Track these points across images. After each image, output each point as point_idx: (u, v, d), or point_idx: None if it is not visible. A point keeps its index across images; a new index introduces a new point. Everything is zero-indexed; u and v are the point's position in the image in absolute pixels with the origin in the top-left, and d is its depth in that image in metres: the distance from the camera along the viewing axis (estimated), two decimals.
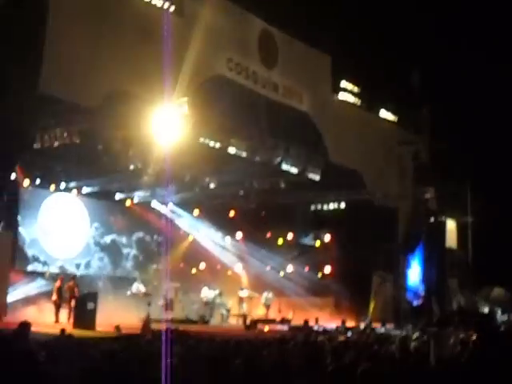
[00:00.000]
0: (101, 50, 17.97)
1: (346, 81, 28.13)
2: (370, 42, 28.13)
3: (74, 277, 24.17)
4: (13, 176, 21.06)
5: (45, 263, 26.34)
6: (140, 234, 30.62)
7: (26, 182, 24.33)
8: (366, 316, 29.18)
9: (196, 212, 31.25)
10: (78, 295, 22.46)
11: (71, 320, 21.70)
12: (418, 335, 16.18)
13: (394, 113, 30.79)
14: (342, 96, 27.98)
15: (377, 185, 28.37)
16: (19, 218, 24.80)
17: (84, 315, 20.69)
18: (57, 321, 21.96)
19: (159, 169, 22.58)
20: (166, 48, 15.98)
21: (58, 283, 23.19)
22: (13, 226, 23.68)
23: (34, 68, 16.48)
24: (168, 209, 30.64)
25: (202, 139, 21.35)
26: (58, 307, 22.47)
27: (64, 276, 24.28)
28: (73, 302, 22.35)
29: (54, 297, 22.66)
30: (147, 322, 20.11)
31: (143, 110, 19.26)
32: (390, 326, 25.85)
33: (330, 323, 24.56)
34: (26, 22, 16.63)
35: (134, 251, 30.42)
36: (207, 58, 21.25)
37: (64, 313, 22.55)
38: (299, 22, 23.71)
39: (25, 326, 10.79)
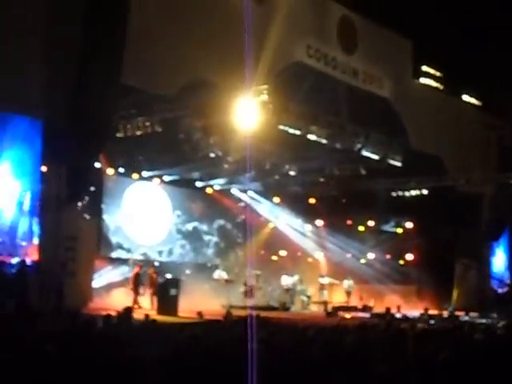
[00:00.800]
0: (180, 39, 18.16)
1: (428, 65, 27.65)
2: (452, 25, 27.52)
3: (153, 264, 24.54)
4: (97, 165, 21.49)
5: (128, 250, 26.88)
6: (221, 222, 30.89)
7: (110, 171, 24.82)
8: (450, 304, 28.69)
9: (276, 199, 31.31)
10: (157, 282, 22.79)
11: (153, 306, 22.11)
12: (505, 323, 15.81)
13: (477, 97, 30.11)
14: (424, 81, 27.52)
15: (460, 170, 27.81)
16: (103, 205, 25.32)
17: (167, 301, 21.01)
18: (136, 306, 22.32)
19: (239, 156, 22.71)
20: (245, 36, 15.99)
21: (135, 270, 23.57)
22: (97, 214, 24.20)
23: (116, 59, 16.78)
24: (248, 196, 30.82)
25: (281, 126, 21.32)
26: (136, 294, 22.86)
27: (142, 263, 24.68)
28: (153, 289, 22.76)
29: (131, 284, 23.06)
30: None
31: (223, 98, 19.38)
32: (474, 314, 25.37)
33: (413, 311, 24.28)
34: (108, 13, 16.92)
35: (215, 238, 30.72)
36: (287, 45, 21.22)
37: (145, 299, 22.92)
38: (379, 6, 23.39)
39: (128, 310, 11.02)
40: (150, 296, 22.86)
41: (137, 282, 23.00)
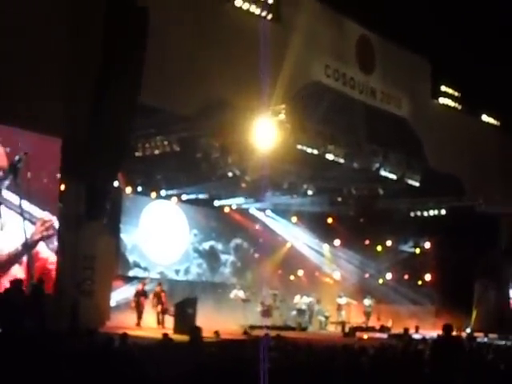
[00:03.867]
0: (198, 59, 18.26)
1: (446, 85, 27.62)
2: (471, 45, 27.50)
3: (160, 283, 24.54)
4: (116, 183, 21.59)
5: (145, 269, 26.92)
6: (238, 241, 30.88)
7: (128, 190, 24.91)
8: (468, 325, 28.47)
9: (294, 219, 31.26)
10: (164, 300, 22.91)
11: (160, 325, 22.32)
12: None
13: (495, 117, 30.00)
14: (442, 101, 27.47)
15: (478, 190, 27.66)
16: (121, 224, 25.39)
17: (184, 320, 20.98)
18: (138, 324, 22.34)
19: (257, 175, 22.74)
20: (263, 55, 16.07)
21: (139, 287, 23.65)
22: (115, 233, 24.26)
23: (135, 79, 16.89)
24: (266, 215, 30.81)
25: (299, 146, 21.33)
26: (139, 312, 22.88)
27: (146, 281, 24.66)
28: (159, 307, 22.84)
29: (133, 303, 23.06)
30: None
31: (241, 117, 19.45)
32: (493, 335, 25.13)
33: (431, 332, 24.06)
34: (128, 34, 17.06)
35: (231, 257, 30.71)
36: (305, 65, 21.29)
37: (151, 317, 22.96)
38: (397, 26, 23.43)
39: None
40: (156, 314, 22.90)
41: (138, 300, 23.09)
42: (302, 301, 28.09)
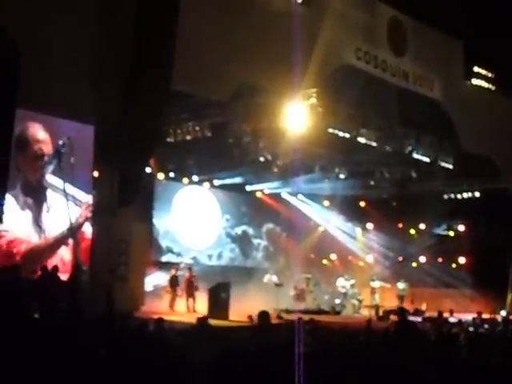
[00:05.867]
0: (230, 44, 18.22)
1: (479, 66, 27.27)
2: (504, 25, 27.07)
3: (190, 267, 24.73)
4: (148, 170, 21.70)
5: (178, 254, 27.09)
6: (270, 225, 30.93)
7: (161, 175, 25.04)
8: (504, 308, 28.23)
9: (326, 203, 31.22)
10: (196, 285, 23.33)
11: (189, 309, 22.74)
12: None
13: None
14: (475, 82, 27.14)
15: None
16: (153, 210, 25.54)
17: (218, 305, 21.10)
18: (171, 308, 22.55)
19: (289, 160, 22.72)
20: (294, 39, 16.00)
21: (172, 272, 23.95)
22: (148, 218, 24.43)
23: (167, 65, 16.92)
24: (298, 199, 30.79)
25: (331, 129, 21.25)
26: (173, 296, 23.20)
27: (177, 267, 24.89)
28: (189, 292, 23.20)
29: (168, 286, 23.40)
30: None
31: (272, 102, 19.42)
32: None
33: (466, 315, 23.92)
34: (159, 20, 17.08)
35: (264, 242, 30.78)
36: (336, 48, 21.15)
37: (182, 302, 23.23)
38: (429, 7, 23.14)
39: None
40: (186, 299, 23.08)
41: (173, 285, 23.33)
42: (346, 283, 28.07)
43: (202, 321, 11.69)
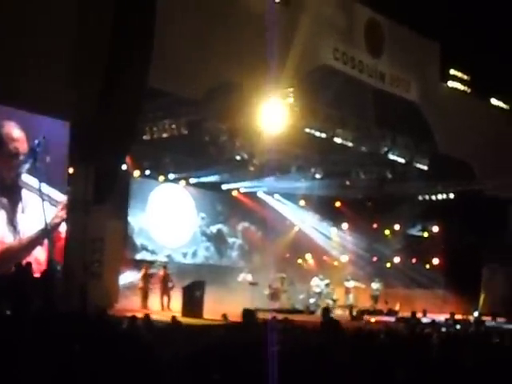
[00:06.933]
0: (207, 43, 18.18)
1: (455, 69, 27.46)
2: (480, 27, 27.28)
3: (164, 265, 24.71)
4: (124, 167, 21.61)
5: (153, 252, 27.00)
6: (245, 224, 30.91)
7: (136, 173, 24.93)
8: (476, 309, 28.47)
9: (302, 202, 31.27)
10: (171, 283, 23.39)
11: (164, 308, 22.74)
12: None
13: (505, 100, 29.82)
14: (452, 84, 27.33)
15: (488, 175, 27.55)
16: (129, 207, 25.44)
17: (192, 303, 21.07)
18: (144, 307, 22.48)
19: (265, 159, 22.73)
20: (271, 38, 16.00)
21: (143, 271, 23.89)
22: (123, 216, 24.33)
23: (143, 62, 16.86)
24: (274, 199, 30.82)
25: (307, 129, 21.31)
26: (145, 294, 23.15)
27: (148, 264, 24.86)
28: (163, 290, 23.23)
29: (141, 284, 23.35)
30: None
31: (249, 101, 19.42)
32: (501, 319, 25.13)
33: (439, 316, 24.10)
34: (135, 17, 17.03)
35: (239, 241, 30.76)
36: (313, 48, 21.19)
37: (155, 301, 23.17)
38: (406, 8, 23.26)
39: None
40: (160, 297, 23.05)
41: (145, 283, 23.34)
42: (321, 283, 28.11)
43: (175, 319, 11.69)
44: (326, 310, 13.86)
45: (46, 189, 17.71)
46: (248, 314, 11.21)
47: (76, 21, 17.03)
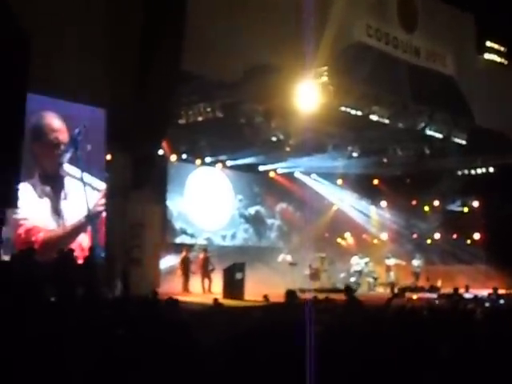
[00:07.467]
0: (240, 24, 18.09)
1: (492, 40, 27.01)
2: None
3: (204, 248, 24.78)
4: (160, 152, 21.72)
5: (192, 235, 27.16)
6: (283, 205, 30.92)
7: (173, 157, 25.06)
8: None
9: (339, 181, 31.18)
10: (211, 265, 23.40)
11: (205, 290, 22.78)
12: None
13: None
14: (488, 56, 26.91)
15: None
16: (167, 192, 25.59)
17: (233, 285, 21.16)
18: (185, 290, 22.59)
19: (301, 139, 22.66)
20: (305, 17, 15.90)
21: (183, 254, 23.93)
22: (162, 200, 24.48)
23: (177, 46, 16.87)
24: (311, 179, 30.76)
25: (343, 108, 21.18)
26: (185, 278, 23.22)
27: (188, 248, 24.95)
28: (203, 273, 23.24)
29: (181, 267, 23.45)
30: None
31: (284, 81, 19.33)
32: None
33: (481, 291, 23.89)
34: (169, 2, 17.03)
35: (277, 222, 30.79)
36: (346, 26, 20.97)
37: (197, 283, 23.26)
38: None
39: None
40: (201, 280, 23.15)
41: (185, 267, 23.37)
42: (361, 261, 28.07)
43: (217, 302, 11.76)
44: (349, 289, 13.85)
45: (88, 177, 17.90)
46: (290, 294, 11.26)
47: (108, 8, 17.11)
